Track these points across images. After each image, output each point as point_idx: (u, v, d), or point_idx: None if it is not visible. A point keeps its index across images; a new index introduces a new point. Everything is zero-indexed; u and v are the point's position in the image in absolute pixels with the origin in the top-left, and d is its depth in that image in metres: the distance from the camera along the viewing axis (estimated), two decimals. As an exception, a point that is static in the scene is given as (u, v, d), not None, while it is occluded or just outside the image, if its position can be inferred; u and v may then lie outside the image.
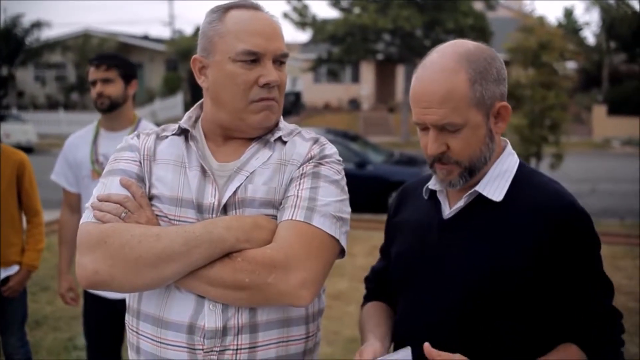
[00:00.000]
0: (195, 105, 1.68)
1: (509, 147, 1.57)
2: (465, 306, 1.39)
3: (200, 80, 1.60)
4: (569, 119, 12.25)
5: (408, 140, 24.53)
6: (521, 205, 1.46)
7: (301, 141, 1.61)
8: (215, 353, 1.45)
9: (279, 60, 1.56)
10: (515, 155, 1.56)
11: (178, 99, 31.03)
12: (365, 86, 33.75)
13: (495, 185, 1.49)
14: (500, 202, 1.48)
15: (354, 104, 33.20)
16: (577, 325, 1.42)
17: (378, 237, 7.54)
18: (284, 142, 1.59)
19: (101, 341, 3.21)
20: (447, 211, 1.55)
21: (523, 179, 1.51)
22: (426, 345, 1.35)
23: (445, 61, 1.44)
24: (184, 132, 1.61)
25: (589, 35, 53.77)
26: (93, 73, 3.05)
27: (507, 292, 1.41)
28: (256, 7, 1.58)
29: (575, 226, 1.43)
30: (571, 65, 16.35)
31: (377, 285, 1.79)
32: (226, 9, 1.57)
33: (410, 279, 1.57)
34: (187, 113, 1.66)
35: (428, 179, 1.63)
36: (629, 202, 11.66)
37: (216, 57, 1.54)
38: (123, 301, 2.95)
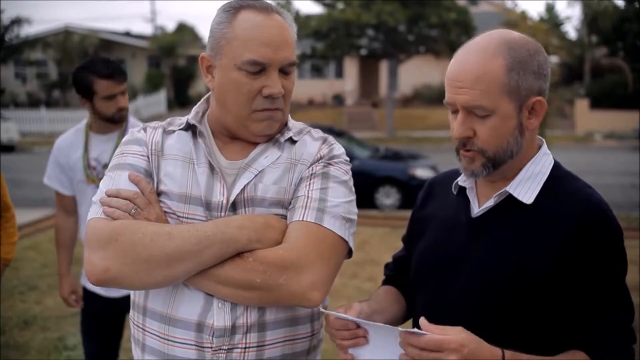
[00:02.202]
0: (202, 100, 1.66)
1: (545, 147, 1.53)
2: (484, 307, 1.37)
3: (207, 80, 1.57)
4: (553, 113, 12.33)
5: (392, 136, 24.60)
6: (551, 210, 1.42)
7: (310, 140, 1.60)
8: (223, 351, 1.45)
9: (286, 70, 1.53)
10: (551, 156, 1.52)
11: (161, 96, 30.83)
12: (349, 81, 33.74)
13: (527, 187, 1.46)
14: (531, 204, 1.44)
15: (338, 99, 33.18)
16: (590, 336, 1.39)
17: (366, 232, 7.56)
18: (294, 142, 1.58)
19: (98, 339, 3.18)
20: (476, 209, 1.52)
21: (556, 182, 1.47)
22: (422, 319, 1.31)
23: (486, 44, 1.42)
24: (191, 128, 1.59)
25: (571, 30, 54.14)
26: (112, 87, 2.88)
27: (528, 297, 1.39)
28: (268, 10, 1.53)
29: (602, 236, 1.39)
30: (554, 59, 16.47)
31: (396, 274, 1.77)
32: (237, 9, 1.52)
33: (433, 274, 1.55)
34: (194, 108, 1.64)
35: (458, 173, 1.60)
36: (612, 194, 11.79)
37: (222, 60, 1.51)
38: (120, 299, 2.98)
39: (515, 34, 1.45)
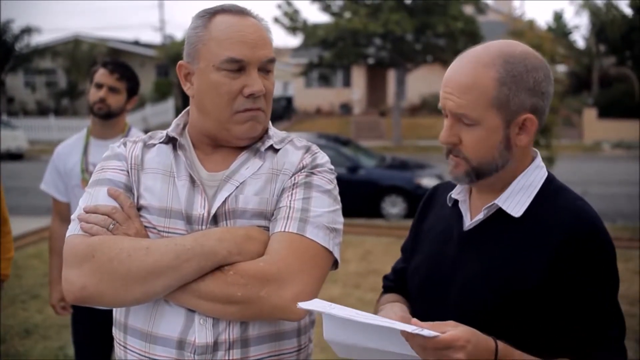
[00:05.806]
0: (182, 112, 1.64)
1: (538, 160, 1.50)
2: (475, 324, 1.32)
3: (186, 87, 1.55)
4: (560, 123, 12.28)
5: (399, 145, 24.57)
6: (541, 224, 1.40)
7: (293, 150, 1.57)
8: None
9: (266, 68, 1.51)
10: (544, 169, 1.49)
11: (169, 105, 30.93)
12: (357, 90, 33.76)
13: (516, 200, 1.44)
14: (520, 217, 1.42)
15: (346, 108, 33.21)
16: (580, 351, 1.36)
17: (370, 242, 7.53)
18: (276, 151, 1.55)
19: (90, 351, 3.15)
20: (468, 222, 1.50)
21: (547, 195, 1.44)
22: (415, 320, 1.25)
23: (482, 54, 1.41)
24: (171, 141, 1.56)
25: (579, 39, 54.02)
26: (103, 76, 3.00)
27: (517, 312, 1.37)
28: (243, 13, 1.51)
29: (592, 250, 1.37)
30: (561, 68, 16.41)
31: (396, 284, 1.73)
32: (212, 14, 1.51)
33: (426, 289, 1.54)
34: (175, 120, 1.61)
35: (454, 185, 1.58)
36: (619, 204, 11.71)
37: (200, 64, 1.50)
38: (111, 311, 2.93)
39: (518, 47, 1.42)
